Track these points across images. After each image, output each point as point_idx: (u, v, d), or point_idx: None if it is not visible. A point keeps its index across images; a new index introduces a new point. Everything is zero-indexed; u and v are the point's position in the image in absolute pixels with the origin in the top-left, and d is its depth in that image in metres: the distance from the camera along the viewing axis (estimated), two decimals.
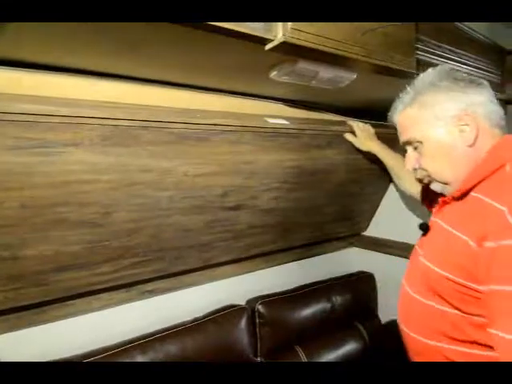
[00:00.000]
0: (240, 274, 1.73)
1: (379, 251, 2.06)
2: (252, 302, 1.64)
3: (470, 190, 0.74)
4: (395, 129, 0.91)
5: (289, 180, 1.49)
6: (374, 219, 2.10)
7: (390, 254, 1.98)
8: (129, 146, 1.01)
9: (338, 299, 1.85)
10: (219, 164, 1.24)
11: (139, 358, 1.26)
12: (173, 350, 1.32)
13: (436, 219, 0.86)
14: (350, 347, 1.79)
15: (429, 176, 0.82)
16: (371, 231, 2.13)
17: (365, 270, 2.10)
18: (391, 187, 1.97)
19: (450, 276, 0.70)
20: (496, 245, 0.62)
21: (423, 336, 0.80)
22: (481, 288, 0.65)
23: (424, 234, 0.88)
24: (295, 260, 1.93)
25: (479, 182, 0.72)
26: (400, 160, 1.26)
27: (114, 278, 1.29)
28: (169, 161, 1.12)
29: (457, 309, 0.71)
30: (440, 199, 0.87)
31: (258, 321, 1.58)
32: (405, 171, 1.04)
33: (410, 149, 0.85)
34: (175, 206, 1.24)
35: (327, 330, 1.79)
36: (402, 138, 0.86)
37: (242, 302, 1.65)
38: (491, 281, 0.62)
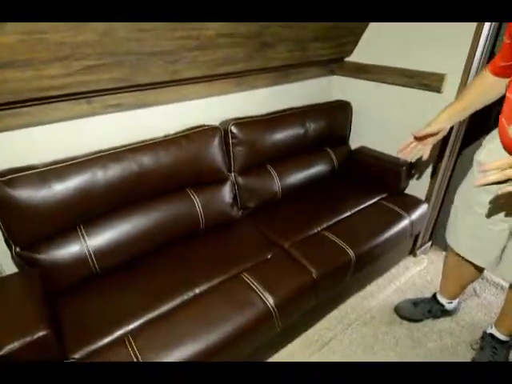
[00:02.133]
0: (212, 96, 1.62)
1: (360, 78, 1.95)
2: (225, 123, 1.61)
3: None
4: None
5: None
6: (360, 42, 1.90)
7: (373, 80, 1.88)
8: None
9: (311, 125, 1.85)
10: None
11: (112, 168, 1.27)
12: (146, 160, 1.33)
13: None
14: (319, 169, 1.92)
15: None
16: (355, 56, 1.95)
17: (342, 98, 2.04)
18: None
19: None
20: None
21: None
22: None
23: None
24: (271, 85, 1.81)
25: None
26: (473, 95, 1.14)
27: (67, 84, 1.16)
28: None
29: None
30: None
31: (231, 141, 1.58)
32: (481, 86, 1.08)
33: None
34: None
35: (298, 153, 1.86)
36: None
37: (217, 124, 1.62)
38: None
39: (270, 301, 1.21)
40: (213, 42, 1.37)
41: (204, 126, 1.53)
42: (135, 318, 1.13)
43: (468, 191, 1.18)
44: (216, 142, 1.51)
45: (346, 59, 1.99)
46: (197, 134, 1.47)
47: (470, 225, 1.19)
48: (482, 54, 1.47)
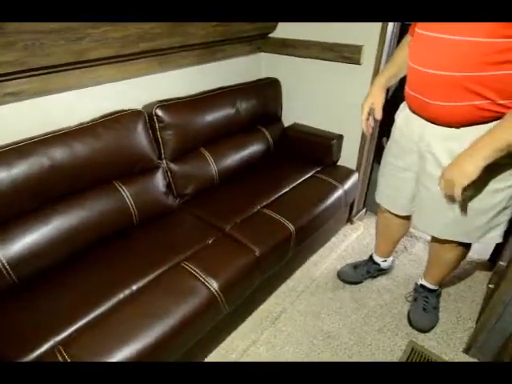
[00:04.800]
0: (131, 78, 1.50)
1: (286, 54, 1.95)
2: (149, 106, 1.50)
3: None
4: None
5: None
6: None
7: (297, 56, 1.89)
8: None
9: (242, 104, 1.81)
10: None
11: (18, 165, 1.12)
12: (58, 154, 1.19)
13: None
14: (254, 148, 1.90)
15: None
16: (279, 32, 1.94)
17: (271, 75, 2.03)
18: None
19: None
20: None
21: (454, 69, 0.91)
22: None
23: None
24: (197, 64, 1.73)
25: None
26: (394, 66, 1.24)
27: None
28: None
29: None
30: None
31: (157, 125, 1.48)
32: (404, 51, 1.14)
33: None
34: None
35: (232, 133, 1.82)
36: None
37: (139, 108, 1.50)
38: None
39: (214, 285, 1.18)
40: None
41: (124, 110, 1.41)
42: (65, 326, 1.03)
43: (388, 145, 1.30)
44: (140, 127, 1.40)
45: (271, 35, 1.97)
46: (116, 121, 1.35)
47: (386, 176, 1.32)
48: (394, 24, 1.55)
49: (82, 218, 1.27)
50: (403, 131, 1.18)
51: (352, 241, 1.97)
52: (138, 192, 1.43)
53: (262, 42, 2.00)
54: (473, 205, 1.08)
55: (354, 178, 1.84)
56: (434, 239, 1.33)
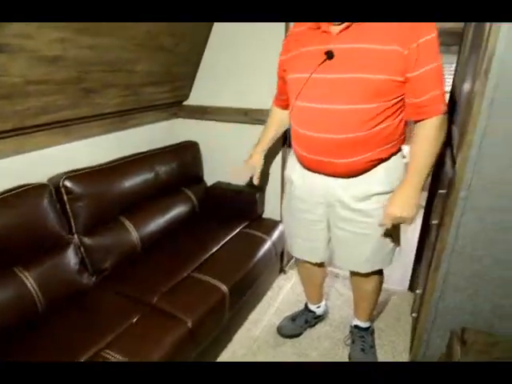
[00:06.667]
0: (34, 150, 1.39)
1: (203, 119, 2.05)
2: (56, 178, 1.39)
3: None
4: None
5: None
6: (195, 85, 2.01)
7: (214, 120, 2.00)
8: None
9: (162, 168, 1.80)
10: None
11: None
12: None
13: (337, 45, 1.00)
14: (179, 210, 1.86)
15: None
16: (194, 99, 2.05)
17: (190, 139, 2.08)
18: (209, 46, 1.86)
19: (393, 77, 0.97)
20: (416, 44, 0.94)
21: (343, 133, 1.05)
22: (411, 75, 0.97)
23: (330, 59, 1.01)
24: (108, 132, 1.69)
25: None
26: (270, 134, 1.44)
27: None
28: None
29: (392, 99, 1.02)
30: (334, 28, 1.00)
31: (65, 197, 1.37)
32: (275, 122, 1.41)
33: None
34: None
35: (154, 197, 1.76)
36: None
37: (44, 181, 1.38)
38: (420, 66, 0.95)
39: None
40: (21, 90, 1.19)
41: (26, 185, 1.27)
42: None
43: (288, 202, 1.37)
44: (45, 202, 1.28)
45: (185, 102, 2.06)
46: (16, 197, 1.21)
47: (300, 231, 1.37)
48: None
49: None
50: (306, 189, 1.26)
51: (287, 291, 1.97)
52: (45, 275, 1.25)
53: (178, 109, 2.07)
54: (383, 232, 1.20)
55: (280, 228, 1.90)
56: (354, 275, 1.40)
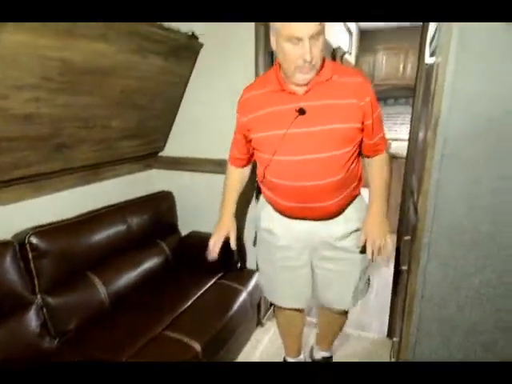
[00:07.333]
0: (1, 205, 1.35)
1: (178, 169, 2.08)
2: (21, 234, 1.34)
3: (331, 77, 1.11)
4: None
5: (52, 77, 1.19)
6: (171, 137, 2.07)
7: (189, 170, 2.04)
8: None
9: (134, 220, 1.77)
10: None
11: None
12: None
13: (306, 103, 1.10)
14: (152, 262, 1.81)
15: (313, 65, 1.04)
16: (169, 151, 2.10)
17: (165, 189, 2.09)
18: (185, 101, 1.95)
19: (356, 125, 1.12)
20: (369, 97, 1.12)
21: (326, 178, 1.13)
22: (366, 122, 1.14)
23: (303, 114, 1.11)
24: (79, 185, 1.67)
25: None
26: (235, 194, 1.43)
27: None
28: None
29: (356, 143, 1.16)
30: (306, 87, 1.10)
31: (30, 254, 1.31)
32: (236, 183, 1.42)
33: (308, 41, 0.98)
34: None
35: (126, 250, 1.72)
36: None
37: (8, 237, 1.32)
38: (372, 114, 1.14)
39: None
40: None
41: None
42: None
43: (267, 253, 1.36)
44: (8, 260, 1.22)
45: (161, 154, 2.11)
46: None
47: (282, 278, 1.35)
48: None
49: None
50: (290, 236, 1.27)
51: (266, 345, 1.89)
52: (1, 339, 1.15)
53: (153, 160, 2.10)
54: (361, 265, 1.29)
55: (256, 278, 1.87)
56: (327, 312, 1.46)
